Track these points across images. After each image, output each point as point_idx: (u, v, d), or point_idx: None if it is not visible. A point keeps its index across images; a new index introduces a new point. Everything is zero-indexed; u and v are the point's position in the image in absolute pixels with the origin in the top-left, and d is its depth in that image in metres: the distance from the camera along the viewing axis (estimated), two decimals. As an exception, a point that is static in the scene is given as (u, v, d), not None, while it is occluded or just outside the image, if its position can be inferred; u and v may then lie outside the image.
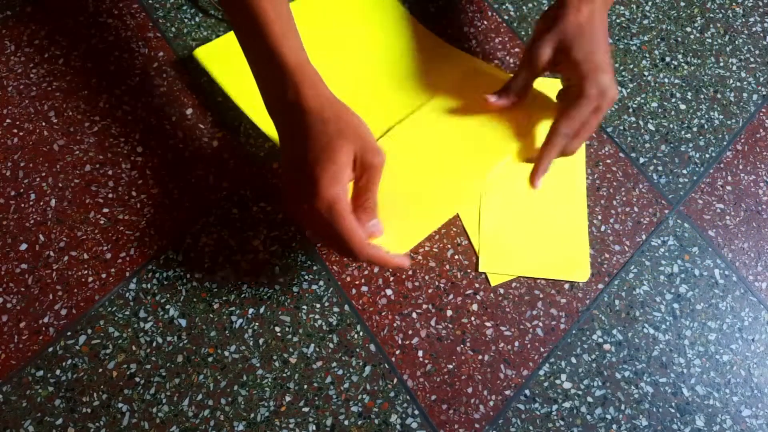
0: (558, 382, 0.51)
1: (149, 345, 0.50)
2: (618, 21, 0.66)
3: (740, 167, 0.60)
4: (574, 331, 0.52)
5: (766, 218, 0.58)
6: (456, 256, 0.54)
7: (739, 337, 0.53)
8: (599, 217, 0.56)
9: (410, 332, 0.52)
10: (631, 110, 0.61)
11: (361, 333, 0.51)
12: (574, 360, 0.52)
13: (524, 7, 0.66)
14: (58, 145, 0.57)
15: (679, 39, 0.65)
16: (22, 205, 0.54)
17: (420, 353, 0.51)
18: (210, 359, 0.50)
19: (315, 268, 0.53)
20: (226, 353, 0.50)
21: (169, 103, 0.59)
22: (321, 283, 0.53)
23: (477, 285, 0.53)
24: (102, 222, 0.54)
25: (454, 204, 0.55)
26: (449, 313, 0.52)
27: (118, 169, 0.56)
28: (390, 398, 0.50)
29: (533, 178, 0.54)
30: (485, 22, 0.65)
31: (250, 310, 0.52)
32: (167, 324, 0.51)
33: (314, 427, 0.48)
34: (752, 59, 0.65)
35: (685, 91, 0.63)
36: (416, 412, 0.49)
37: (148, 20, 0.62)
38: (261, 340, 0.51)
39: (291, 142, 0.44)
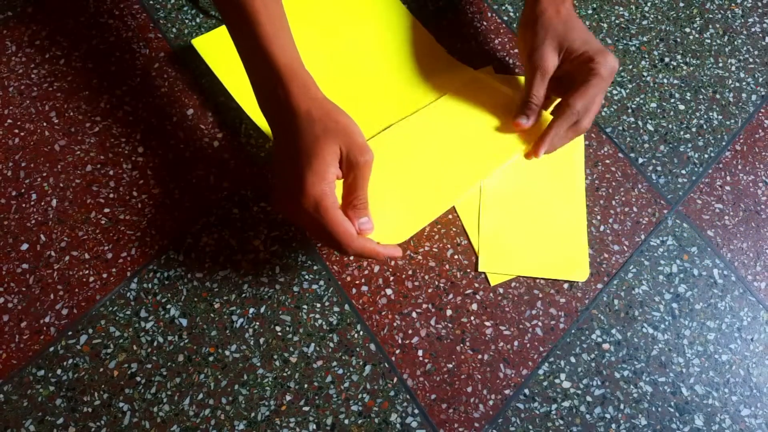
0: (557, 381, 0.51)
1: (150, 344, 0.50)
2: (617, 22, 0.66)
3: (739, 167, 0.60)
4: (573, 331, 0.53)
5: (765, 218, 0.58)
6: (456, 256, 0.54)
7: (738, 336, 0.53)
8: (598, 217, 0.57)
9: (410, 332, 0.52)
10: (630, 111, 0.62)
11: (361, 332, 0.52)
12: (573, 359, 0.52)
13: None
14: (59, 146, 0.57)
15: (678, 39, 0.65)
16: (24, 205, 0.54)
17: (420, 353, 0.51)
18: (211, 359, 0.50)
19: (315, 267, 0.53)
20: (227, 353, 0.50)
21: (170, 104, 0.59)
22: (321, 282, 0.53)
23: (477, 285, 0.54)
24: (103, 222, 0.54)
25: (447, 199, 0.55)
26: (449, 312, 0.53)
27: (119, 170, 0.56)
28: (390, 397, 0.50)
29: (537, 147, 0.54)
30: (485, 23, 0.65)
31: (251, 310, 0.52)
32: (168, 323, 0.51)
33: (314, 426, 0.49)
34: (751, 60, 0.65)
35: (684, 92, 0.63)
36: (416, 411, 0.49)
37: (149, 21, 0.62)
38: (261, 340, 0.51)
39: (281, 141, 0.44)
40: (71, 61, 0.60)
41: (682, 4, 0.67)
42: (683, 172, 0.59)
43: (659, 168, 0.59)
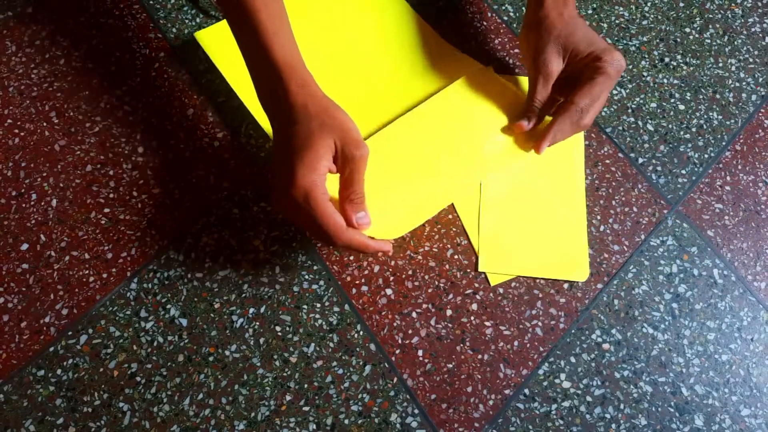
0: (557, 381, 0.51)
1: (150, 344, 0.50)
2: (617, 22, 0.66)
3: (739, 167, 0.60)
4: (573, 331, 0.53)
5: (765, 218, 0.58)
6: (456, 256, 0.54)
7: (738, 336, 0.53)
8: (598, 217, 0.57)
9: (410, 332, 0.52)
10: (630, 111, 0.62)
11: (361, 332, 0.52)
12: (573, 359, 0.52)
13: (523, 8, 0.66)
14: (59, 146, 0.57)
15: (678, 40, 0.65)
16: (24, 205, 0.54)
17: (420, 352, 0.51)
18: (211, 358, 0.50)
19: (315, 267, 0.53)
20: (227, 353, 0.50)
21: (170, 104, 0.59)
22: (321, 282, 0.53)
23: (477, 285, 0.54)
24: (103, 222, 0.54)
25: (446, 197, 0.55)
26: (449, 312, 0.53)
27: (119, 170, 0.56)
28: (390, 397, 0.50)
29: (539, 143, 0.54)
30: (485, 23, 0.65)
31: (251, 310, 0.52)
32: (168, 323, 0.51)
33: (314, 426, 0.49)
34: (751, 60, 0.65)
35: (684, 92, 0.63)
36: (416, 411, 0.49)
37: (149, 21, 0.62)
38: (261, 340, 0.51)
39: (279, 137, 0.45)
40: (71, 61, 0.60)
41: (682, 4, 0.67)
42: (683, 172, 0.59)
43: (659, 168, 0.59)
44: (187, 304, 0.52)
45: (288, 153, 0.43)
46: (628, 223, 0.57)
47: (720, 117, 0.62)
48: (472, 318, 0.52)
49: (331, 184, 0.45)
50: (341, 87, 0.58)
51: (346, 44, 0.62)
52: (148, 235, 0.54)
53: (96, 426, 0.48)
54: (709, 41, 0.65)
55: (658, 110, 0.62)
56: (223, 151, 0.57)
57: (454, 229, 0.55)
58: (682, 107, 0.62)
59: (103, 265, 0.53)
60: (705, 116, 0.62)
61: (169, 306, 0.52)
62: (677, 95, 0.63)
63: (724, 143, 0.61)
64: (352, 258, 0.54)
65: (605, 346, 0.52)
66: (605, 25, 0.65)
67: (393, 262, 0.54)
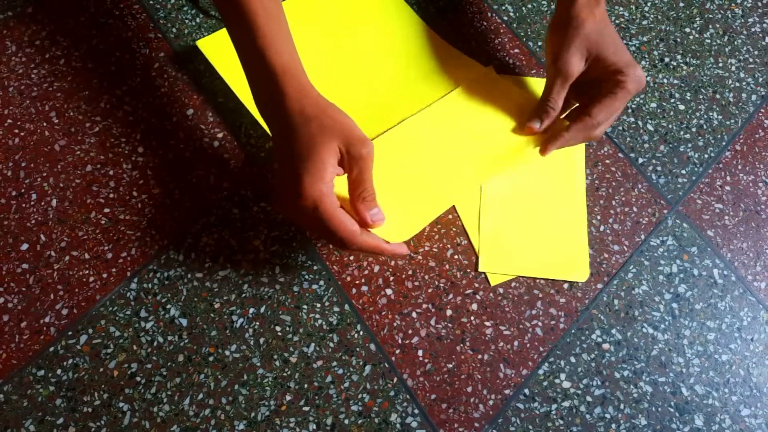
0: (557, 381, 0.51)
1: (150, 344, 0.50)
2: (617, 22, 0.66)
3: (739, 167, 0.60)
4: (573, 331, 0.53)
5: (765, 218, 0.58)
6: (456, 256, 0.54)
7: (738, 336, 0.53)
8: (598, 217, 0.57)
9: (410, 332, 0.52)
10: (630, 111, 0.62)
11: (361, 332, 0.52)
12: (573, 359, 0.52)
13: (524, 8, 0.66)
14: (59, 146, 0.57)
15: (678, 40, 0.65)
16: (23, 205, 0.54)
17: (420, 352, 0.51)
18: (211, 359, 0.50)
19: (315, 267, 0.53)
20: (227, 353, 0.50)
21: (170, 104, 0.59)
22: (321, 282, 0.53)
23: (477, 285, 0.54)
24: (103, 222, 0.54)
25: (453, 195, 0.54)
26: (449, 312, 0.53)
27: (119, 170, 0.56)
28: (390, 397, 0.50)
29: (547, 146, 0.54)
30: (485, 23, 0.65)
31: (251, 310, 0.52)
32: (168, 323, 0.51)
33: (314, 426, 0.49)
34: (751, 60, 0.65)
35: (684, 92, 0.63)
36: (416, 411, 0.49)
37: (149, 21, 0.62)
38: (261, 340, 0.51)
39: (279, 142, 0.44)
40: (71, 61, 0.60)
41: (682, 4, 0.67)
42: (683, 172, 0.59)
43: (659, 168, 0.59)
44: (187, 304, 0.52)
45: (292, 161, 0.42)
46: (628, 223, 0.57)
47: (720, 117, 0.62)
48: (472, 318, 0.52)
49: (338, 182, 0.45)
50: (345, 92, 0.58)
51: (349, 50, 0.61)
52: (148, 235, 0.54)
53: (96, 426, 0.48)
54: (709, 41, 0.65)
55: (658, 110, 0.62)
56: (223, 151, 0.57)
57: (454, 229, 0.55)
58: (682, 107, 0.62)
59: (103, 265, 0.53)
60: (705, 116, 0.62)
61: (169, 306, 0.52)
62: (677, 95, 0.63)
63: (724, 143, 0.61)
64: (352, 258, 0.54)
65: (605, 346, 0.52)
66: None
67: (393, 262, 0.54)
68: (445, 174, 0.54)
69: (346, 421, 0.49)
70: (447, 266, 0.54)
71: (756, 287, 0.55)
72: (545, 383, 0.51)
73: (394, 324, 0.52)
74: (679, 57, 0.64)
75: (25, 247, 0.53)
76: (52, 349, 0.50)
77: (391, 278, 0.53)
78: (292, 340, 0.51)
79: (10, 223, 0.54)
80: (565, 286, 0.54)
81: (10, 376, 0.49)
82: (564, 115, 0.56)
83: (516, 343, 0.52)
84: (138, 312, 0.51)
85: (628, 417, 0.50)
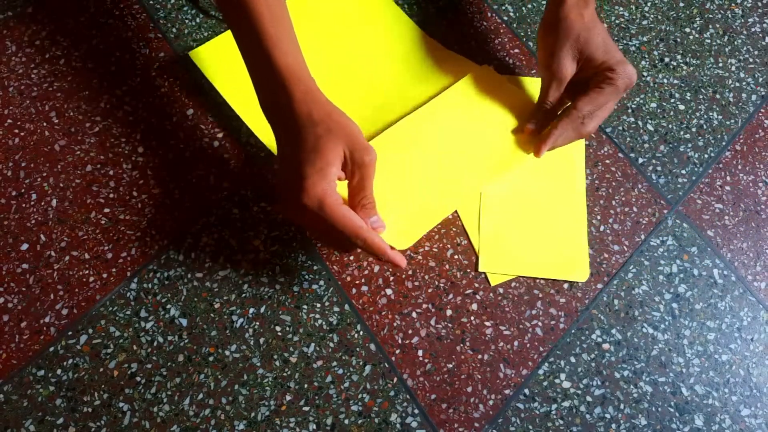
0: (557, 381, 0.51)
1: (150, 344, 0.50)
2: (617, 22, 0.66)
3: (739, 167, 0.60)
4: (573, 331, 0.53)
5: (765, 218, 0.58)
6: (456, 256, 0.54)
7: (738, 336, 0.53)
8: (598, 217, 0.57)
9: (410, 332, 0.52)
10: (630, 111, 0.62)
11: (361, 332, 0.52)
12: (573, 359, 0.52)
13: (524, 8, 0.66)
14: (59, 146, 0.57)
15: (678, 40, 0.65)
16: (23, 205, 0.54)
17: (420, 352, 0.51)
18: (211, 358, 0.50)
19: (315, 267, 0.53)
20: (227, 353, 0.50)
21: (170, 104, 0.59)
22: (321, 282, 0.53)
23: (477, 285, 0.54)
24: (103, 222, 0.54)
25: (454, 200, 0.55)
26: (449, 312, 0.53)
27: (119, 169, 0.56)
28: (390, 397, 0.50)
29: (539, 146, 0.54)
30: (485, 23, 0.65)
31: (251, 310, 0.52)
32: (168, 323, 0.51)
33: (314, 426, 0.49)
34: (751, 60, 0.65)
35: (684, 92, 0.63)
36: (416, 411, 0.49)
37: (149, 21, 0.62)
38: (261, 340, 0.51)
39: (283, 145, 0.44)
40: (71, 61, 0.60)
41: (682, 4, 0.67)
42: (683, 172, 0.59)
43: (659, 168, 0.59)
44: (187, 304, 0.52)
45: (296, 161, 0.42)
46: (628, 223, 0.57)
47: (720, 117, 0.62)
48: (472, 318, 0.52)
49: (338, 189, 0.45)
50: (341, 96, 0.58)
51: (341, 53, 0.61)
52: (148, 235, 0.54)
53: (96, 426, 0.48)
54: (709, 41, 0.65)
55: (658, 110, 0.62)
56: (223, 151, 0.57)
57: (454, 229, 0.55)
58: (682, 107, 0.62)
59: (103, 265, 0.53)
60: (705, 116, 0.62)
61: (169, 306, 0.52)
62: (677, 95, 0.63)
63: (724, 143, 0.61)
64: (352, 258, 0.54)
65: (605, 346, 0.52)
66: (605, 25, 0.65)
67: (393, 262, 0.54)
68: (444, 178, 0.54)
69: (346, 421, 0.49)
70: (447, 266, 0.54)
71: (756, 287, 0.55)
72: (545, 383, 0.51)
73: (394, 324, 0.52)
74: (679, 57, 0.64)
75: (25, 247, 0.53)
76: (52, 349, 0.50)
77: (391, 278, 0.53)
78: (292, 340, 0.51)
79: (10, 223, 0.54)
80: (565, 286, 0.54)
81: (10, 376, 0.49)
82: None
83: (516, 343, 0.52)
84: (138, 312, 0.51)
85: (628, 417, 0.50)
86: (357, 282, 0.53)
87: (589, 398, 0.51)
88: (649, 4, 0.67)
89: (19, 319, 0.51)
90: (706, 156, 0.60)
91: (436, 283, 0.53)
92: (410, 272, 0.54)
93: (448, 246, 0.55)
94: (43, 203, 0.54)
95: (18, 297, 0.51)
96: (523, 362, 0.51)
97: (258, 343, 0.51)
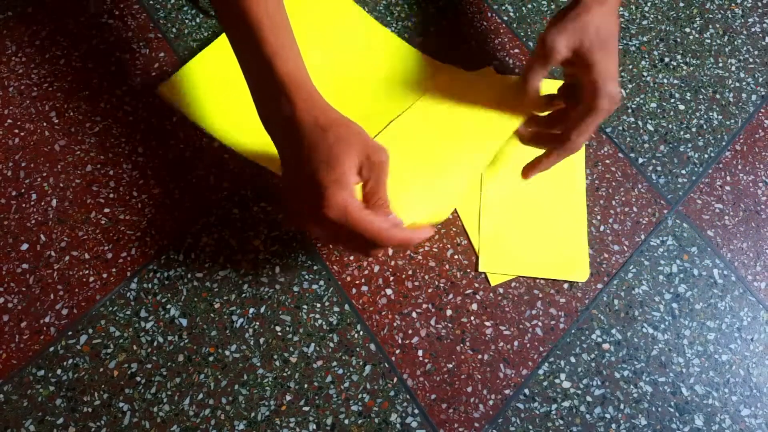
0: (557, 381, 0.51)
1: (150, 344, 0.50)
2: (617, 22, 0.66)
3: (739, 167, 0.60)
4: (573, 331, 0.53)
5: (765, 218, 0.58)
6: (456, 256, 0.54)
7: (738, 336, 0.53)
8: (598, 217, 0.57)
9: (410, 332, 0.52)
10: (630, 111, 0.62)
11: (361, 332, 0.52)
12: (573, 359, 0.52)
13: (524, 8, 0.66)
14: (59, 146, 0.57)
15: (678, 40, 0.65)
16: (24, 205, 0.54)
17: (420, 352, 0.51)
18: (211, 358, 0.50)
19: (315, 267, 0.53)
20: (227, 353, 0.50)
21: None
22: (321, 282, 0.53)
23: (477, 285, 0.54)
24: (103, 222, 0.54)
25: (468, 173, 0.53)
26: (449, 312, 0.53)
27: (119, 169, 0.56)
28: (390, 397, 0.50)
29: (529, 171, 0.53)
30: (485, 23, 0.65)
31: (251, 310, 0.52)
32: (168, 323, 0.51)
33: (314, 426, 0.49)
34: (751, 60, 0.65)
35: (684, 92, 0.63)
36: (416, 411, 0.49)
37: (149, 21, 0.62)
38: (261, 340, 0.51)
39: (291, 157, 0.43)
40: (71, 61, 0.60)
41: (682, 4, 0.67)
42: (683, 172, 0.59)
43: (659, 168, 0.59)
44: (187, 304, 0.52)
45: (309, 173, 0.41)
46: (628, 223, 0.57)
47: (720, 117, 0.62)
48: (472, 318, 0.52)
49: None
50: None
51: (325, 68, 0.60)
52: (148, 235, 0.54)
53: (96, 426, 0.48)
54: (709, 41, 0.65)
55: (658, 110, 0.62)
56: (223, 151, 0.57)
57: (454, 229, 0.55)
58: (682, 107, 0.62)
59: (103, 265, 0.53)
60: (705, 116, 0.62)
61: (169, 306, 0.52)
62: (677, 95, 0.63)
63: (724, 143, 0.61)
64: (352, 258, 0.54)
65: (605, 346, 0.52)
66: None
67: (393, 262, 0.54)
68: (447, 161, 0.53)
69: (346, 421, 0.49)
70: (447, 266, 0.54)
71: (756, 287, 0.55)
72: (545, 383, 0.51)
73: (394, 324, 0.52)
74: (679, 57, 0.64)
75: (25, 247, 0.53)
76: (52, 349, 0.50)
77: (391, 278, 0.53)
78: (292, 340, 0.51)
79: (10, 223, 0.54)
80: (565, 286, 0.54)
81: (10, 376, 0.49)
82: (542, 138, 0.54)
83: (516, 343, 0.52)
84: (138, 312, 0.51)
85: (628, 417, 0.50)
86: (357, 282, 0.53)
87: (589, 398, 0.51)
88: (649, 4, 0.67)
89: (19, 319, 0.51)
90: (706, 156, 0.60)
91: (436, 283, 0.53)
92: (410, 272, 0.54)
93: (448, 246, 0.55)
94: (43, 203, 0.54)
95: (18, 297, 0.51)
96: (523, 362, 0.51)
97: (258, 343, 0.51)
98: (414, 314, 0.52)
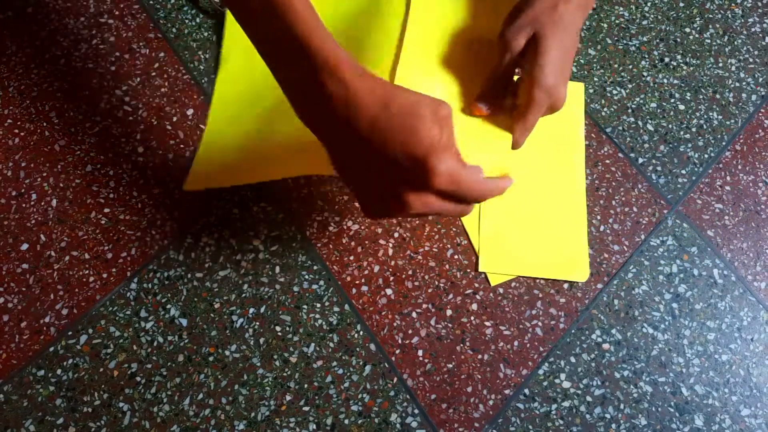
0: (557, 381, 0.51)
1: (150, 344, 0.50)
2: (617, 22, 0.66)
3: (739, 167, 0.60)
4: (573, 331, 0.53)
5: (765, 218, 0.58)
6: (456, 256, 0.54)
7: (737, 336, 0.53)
8: (598, 217, 0.57)
9: (410, 332, 0.52)
10: (630, 111, 0.62)
11: (361, 332, 0.52)
12: (573, 359, 0.52)
13: (524, 8, 0.66)
14: (59, 145, 0.57)
15: (678, 40, 0.65)
16: (24, 205, 0.54)
17: (420, 353, 0.51)
18: (211, 358, 0.50)
19: (315, 267, 0.53)
20: (227, 353, 0.50)
21: (170, 104, 0.59)
22: (321, 282, 0.53)
23: (477, 285, 0.54)
24: (103, 222, 0.54)
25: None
26: (449, 312, 0.53)
27: (119, 169, 0.56)
28: (390, 397, 0.50)
29: (518, 139, 0.50)
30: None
31: (251, 310, 0.52)
32: (168, 323, 0.51)
33: (314, 426, 0.49)
34: (751, 60, 0.65)
35: (684, 92, 0.63)
36: (416, 411, 0.49)
37: (149, 21, 0.62)
38: (261, 340, 0.51)
39: (356, 143, 0.38)
40: (71, 61, 0.60)
41: (682, 4, 0.67)
42: (683, 172, 0.59)
43: (659, 168, 0.59)
44: (187, 304, 0.52)
45: (395, 150, 0.37)
46: (628, 223, 0.57)
47: (720, 117, 0.62)
48: (472, 318, 0.52)
49: None
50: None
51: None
52: (148, 235, 0.54)
53: (96, 426, 0.48)
54: (709, 41, 0.65)
55: (658, 110, 0.62)
56: (223, 151, 0.57)
57: (454, 229, 0.55)
58: (682, 107, 0.62)
59: (103, 265, 0.53)
60: (705, 116, 0.62)
61: (169, 306, 0.52)
62: (677, 95, 0.63)
63: (724, 143, 0.61)
64: (352, 258, 0.54)
65: (605, 346, 0.52)
66: (605, 25, 0.65)
67: (393, 262, 0.54)
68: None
69: (346, 421, 0.49)
70: (447, 266, 0.54)
71: (756, 287, 0.55)
72: (545, 383, 0.51)
73: (394, 324, 0.52)
74: (679, 57, 0.64)
75: (25, 247, 0.53)
76: (52, 349, 0.50)
77: (391, 278, 0.53)
78: (292, 340, 0.51)
79: (10, 223, 0.54)
80: (565, 286, 0.54)
81: (10, 376, 0.49)
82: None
83: (516, 343, 0.52)
84: (138, 312, 0.51)
85: (628, 417, 0.50)
86: (357, 282, 0.53)
87: (589, 398, 0.51)
88: (649, 4, 0.67)
89: (19, 319, 0.51)
90: (706, 156, 0.60)
91: (436, 283, 0.53)
92: (410, 272, 0.54)
93: (448, 246, 0.55)
94: (43, 203, 0.54)
95: (18, 297, 0.51)
96: (523, 362, 0.51)
97: (258, 343, 0.51)
98: (414, 314, 0.52)
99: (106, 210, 0.55)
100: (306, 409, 0.49)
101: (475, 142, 0.53)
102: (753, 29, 0.66)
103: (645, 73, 0.63)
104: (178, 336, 0.51)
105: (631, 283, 0.54)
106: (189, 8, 0.63)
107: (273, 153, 0.55)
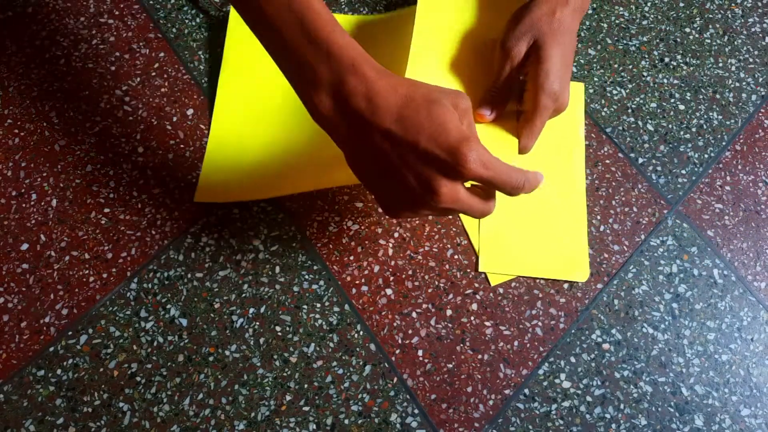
0: (557, 381, 0.51)
1: (150, 344, 0.50)
2: (617, 22, 0.66)
3: (739, 167, 0.60)
4: (573, 331, 0.53)
5: (765, 218, 0.58)
6: (456, 256, 0.54)
7: (738, 336, 0.53)
8: (598, 217, 0.57)
9: (410, 332, 0.52)
10: (630, 111, 0.62)
11: (361, 332, 0.52)
12: (573, 359, 0.52)
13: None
14: (59, 146, 0.57)
15: (678, 40, 0.65)
16: (24, 205, 0.54)
17: (420, 352, 0.51)
18: (211, 358, 0.50)
19: (315, 267, 0.53)
20: (227, 353, 0.50)
21: (170, 104, 0.59)
22: (321, 282, 0.53)
23: (477, 285, 0.54)
24: (103, 222, 0.54)
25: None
26: (449, 312, 0.53)
27: (119, 169, 0.56)
28: (390, 397, 0.50)
29: (527, 143, 0.52)
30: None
31: (251, 310, 0.52)
32: (168, 323, 0.51)
33: (314, 426, 0.49)
34: (751, 60, 0.65)
35: (684, 92, 0.63)
36: (416, 411, 0.49)
37: (149, 21, 0.62)
38: (261, 340, 0.51)
39: (379, 141, 0.37)
40: (71, 61, 0.60)
41: (682, 4, 0.67)
42: (683, 172, 0.59)
43: (659, 168, 0.59)
44: (187, 304, 0.52)
45: (425, 144, 0.36)
46: (628, 223, 0.57)
47: (720, 117, 0.62)
48: (472, 318, 0.52)
49: None
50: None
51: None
52: (148, 235, 0.54)
53: (96, 426, 0.48)
54: (709, 41, 0.65)
55: (658, 110, 0.62)
56: (223, 151, 0.57)
57: (454, 229, 0.55)
58: (682, 107, 0.62)
59: (103, 265, 0.53)
60: (705, 116, 0.62)
61: (169, 306, 0.52)
62: (677, 95, 0.63)
63: (724, 143, 0.61)
64: (352, 258, 0.54)
65: (605, 346, 0.52)
66: (605, 25, 0.65)
67: (393, 262, 0.54)
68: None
69: (346, 421, 0.49)
70: (447, 266, 0.54)
71: (756, 287, 0.55)
72: (545, 383, 0.51)
73: (394, 324, 0.52)
74: (679, 57, 0.64)
75: (25, 247, 0.53)
76: (52, 349, 0.50)
77: (391, 278, 0.53)
78: (292, 340, 0.51)
79: (10, 223, 0.54)
80: (565, 286, 0.54)
81: (10, 376, 0.49)
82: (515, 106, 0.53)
83: (516, 343, 0.52)
84: (138, 312, 0.51)
85: (628, 417, 0.50)
86: (357, 282, 0.53)
87: (589, 398, 0.51)
88: (649, 4, 0.67)
89: (19, 319, 0.51)
90: (706, 156, 0.60)
91: (436, 283, 0.53)
92: (410, 272, 0.54)
93: (448, 246, 0.55)
94: (43, 203, 0.55)
95: (18, 297, 0.51)
96: (523, 362, 0.51)
97: (258, 343, 0.51)
98: (414, 314, 0.52)
99: (106, 210, 0.55)
100: (306, 409, 0.49)
101: None
102: (753, 29, 0.66)
103: (645, 73, 0.63)
104: (178, 336, 0.51)
105: (631, 283, 0.54)
106: (189, 8, 0.63)
107: (281, 170, 0.55)
